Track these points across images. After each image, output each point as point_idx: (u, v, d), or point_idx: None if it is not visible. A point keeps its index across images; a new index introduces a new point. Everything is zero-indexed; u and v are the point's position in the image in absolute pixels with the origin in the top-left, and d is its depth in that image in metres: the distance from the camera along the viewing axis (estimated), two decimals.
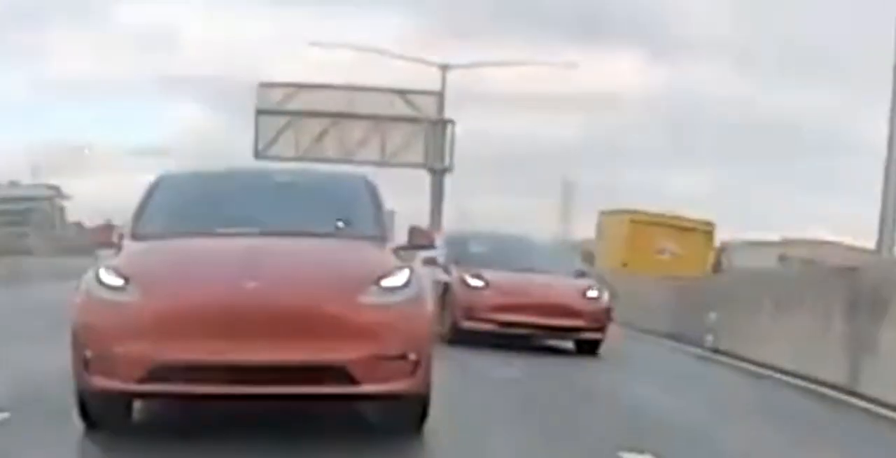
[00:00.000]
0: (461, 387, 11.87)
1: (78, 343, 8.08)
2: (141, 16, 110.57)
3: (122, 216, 10.06)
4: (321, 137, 46.33)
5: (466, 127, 59.94)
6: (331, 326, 7.99)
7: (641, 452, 8.58)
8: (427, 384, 8.38)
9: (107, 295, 8.16)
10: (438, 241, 17.09)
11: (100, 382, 7.98)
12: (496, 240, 19.58)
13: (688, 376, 16.43)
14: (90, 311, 8.20)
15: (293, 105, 46.32)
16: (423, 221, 41.31)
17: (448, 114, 47.59)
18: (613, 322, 18.41)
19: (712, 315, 20.01)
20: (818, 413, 12.83)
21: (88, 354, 7.99)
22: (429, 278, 17.27)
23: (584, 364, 16.40)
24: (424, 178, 47.83)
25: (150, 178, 9.97)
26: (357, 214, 9.63)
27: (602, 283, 18.88)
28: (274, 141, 46.23)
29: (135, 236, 9.20)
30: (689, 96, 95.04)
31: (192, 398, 8.21)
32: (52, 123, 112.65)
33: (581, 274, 18.88)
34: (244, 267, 8.23)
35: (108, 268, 8.35)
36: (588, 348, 17.35)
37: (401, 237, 9.88)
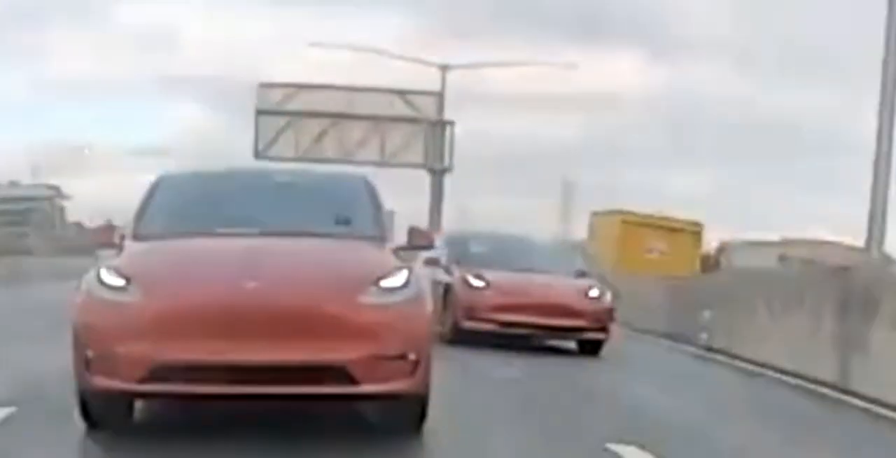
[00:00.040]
0: (461, 387, 11.89)
1: (79, 343, 8.11)
2: (141, 16, 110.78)
3: (123, 216, 10.09)
4: (321, 137, 46.35)
5: (466, 127, 60.08)
6: (330, 326, 8.02)
7: (641, 449, 8.62)
8: (426, 384, 8.41)
9: (108, 295, 8.18)
10: (438, 241, 17.10)
11: (101, 382, 8.01)
12: (497, 240, 19.56)
13: (684, 375, 16.46)
14: (91, 311, 8.22)
15: (293, 105, 46.34)
16: (423, 222, 41.41)
17: (448, 114, 47.63)
18: (616, 323, 18.43)
19: (706, 314, 20.11)
20: (810, 411, 12.93)
21: (90, 354, 8.02)
22: (429, 278, 17.33)
23: (584, 364, 16.42)
24: (424, 178, 47.87)
25: (151, 178, 10.00)
26: (357, 214, 9.65)
27: (604, 283, 18.87)
28: (274, 141, 46.25)
29: (136, 237, 9.22)
30: (689, 96, 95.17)
31: (193, 397, 8.23)
32: (52, 123, 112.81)
33: (582, 274, 18.85)
34: (244, 267, 8.26)
35: (109, 268, 8.38)
36: (590, 349, 17.32)
37: (400, 238, 9.91)
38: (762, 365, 16.38)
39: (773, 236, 64.11)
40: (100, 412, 8.32)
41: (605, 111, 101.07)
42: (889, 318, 13.14)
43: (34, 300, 25.89)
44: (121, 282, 8.21)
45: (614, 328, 18.11)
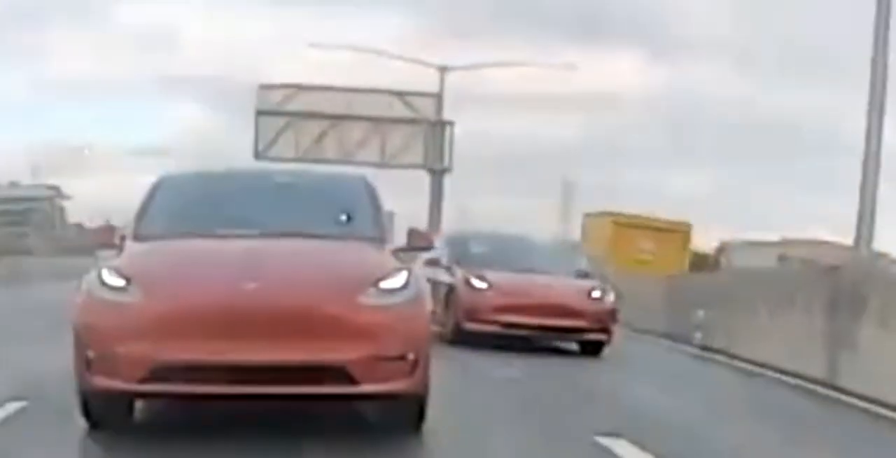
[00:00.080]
0: (461, 387, 11.93)
1: (80, 343, 8.14)
2: (141, 16, 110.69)
3: (122, 216, 10.13)
4: (321, 138, 46.37)
5: (466, 127, 60.05)
6: (330, 326, 8.05)
7: (643, 450, 8.65)
8: (425, 384, 8.45)
9: (109, 296, 8.22)
10: (438, 242, 17.11)
11: (102, 382, 8.04)
12: (498, 240, 19.50)
13: (682, 375, 16.50)
14: (92, 311, 8.25)
15: (293, 106, 46.37)
16: (423, 222, 41.45)
17: (447, 114, 47.67)
18: (619, 323, 18.45)
19: (700, 313, 20.19)
20: (802, 407, 13.07)
21: (90, 354, 8.05)
22: (430, 278, 17.33)
23: (584, 364, 16.43)
24: (424, 179, 47.89)
25: (151, 178, 10.04)
26: (356, 215, 9.68)
27: (607, 283, 18.84)
28: (274, 142, 46.27)
29: (136, 237, 9.25)
30: (689, 96, 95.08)
31: (193, 397, 8.27)
32: (52, 123, 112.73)
33: (584, 274, 18.79)
34: (244, 268, 8.29)
35: (109, 269, 8.41)
36: (591, 350, 17.29)
37: (401, 238, 9.93)
38: (756, 363, 16.51)
39: (773, 236, 64.17)
40: (100, 411, 8.35)
41: (605, 111, 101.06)
42: (876, 315, 13.33)
43: (34, 300, 25.91)
44: (121, 282, 8.24)
45: (615, 329, 18.10)
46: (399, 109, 46.71)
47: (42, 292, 28.35)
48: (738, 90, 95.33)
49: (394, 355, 8.16)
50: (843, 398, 13.13)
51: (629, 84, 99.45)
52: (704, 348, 19.34)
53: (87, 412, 8.35)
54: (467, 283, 17.50)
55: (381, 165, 44.54)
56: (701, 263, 54.52)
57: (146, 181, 10.00)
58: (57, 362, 9.47)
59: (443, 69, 49.15)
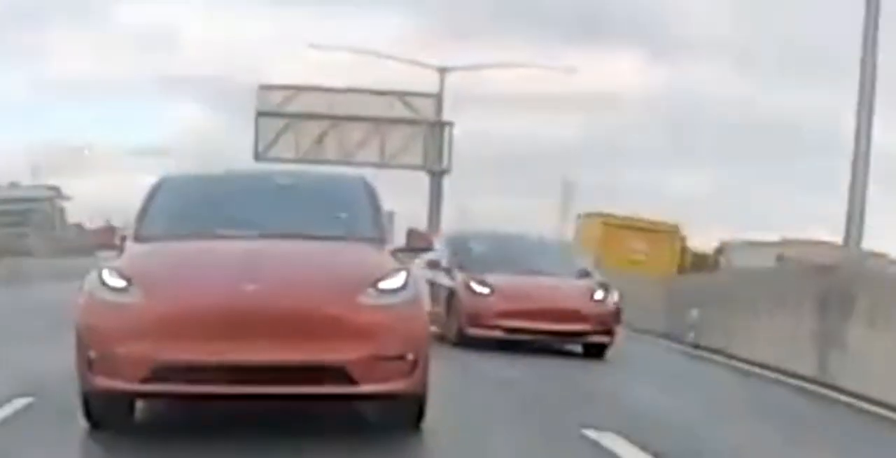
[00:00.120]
0: (462, 387, 11.96)
1: (82, 344, 8.18)
2: (141, 16, 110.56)
3: (122, 217, 10.18)
4: (321, 138, 46.41)
5: (466, 127, 60.03)
6: (330, 327, 8.09)
7: (644, 450, 8.69)
8: (424, 384, 8.49)
9: (110, 296, 8.26)
10: (438, 242, 17.10)
11: (103, 382, 8.08)
12: (498, 240, 19.44)
13: (679, 374, 16.55)
14: (93, 312, 8.30)
15: (293, 107, 46.41)
16: (422, 223, 41.49)
17: (447, 115, 47.72)
18: (622, 324, 18.44)
19: (694, 313, 20.25)
20: (794, 405, 13.23)
21: (92, 354, 8.09)
22: (431, 281, 17.33)
23: (585, 365, 16.45)
24: (424, 179, 47.94)
25: (151, 178, 10.09)
26: (356, 216, 9.72)
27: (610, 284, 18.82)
28: (274, 143, 46.30)
29: (137, 238, 9.30)
30: (689, 96, 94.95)
31: (194, 397, 8.31)
32: (52, 123, 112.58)
33: (585, 273, 18.75)
34: (244, 270, 8.34)
35: (110, 269, 8.45)
36: (595, 352, 17.27)
37: (400, 238, 9.97)
38: (749, 362, 16.62)
39: (773, 237, 64.15)
40: (102, 411, 8.39)
41: (605, 111, 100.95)
42: (865, 315, 13.43)
43: (34, 301, 25.93)
44: (122, 283, 8.29)
45: (618, 330, 18.13)
46: (399, 110, 46.77)
47: (42, 292, 28.39)
48: (738, 90, 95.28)
49: (393, 355, 8.20)
50: (834, 395, 13.28)
51: (629, 84, 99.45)
52: (697, 346, 19.45)
53: (88, 411, 8.39)
54: (468, 287, 17.45)
55: (380, 165, 44.59)
56: (701, 263, 54.57)
57: (146, 182, 10.07)
58: (57, 363, 9.52)
59: (442, 70, 49.21)
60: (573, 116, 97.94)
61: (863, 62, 20.38)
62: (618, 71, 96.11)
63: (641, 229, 41.17)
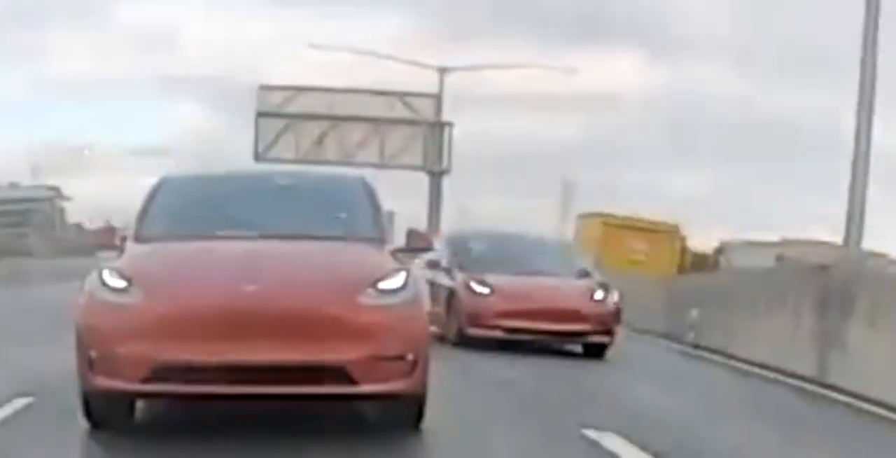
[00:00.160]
0: (462, 387, 11.98)
1: (82, 344, 8.20)
2: (141, 16, 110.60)
3: (122, 217, 10.20)
4: (321, 139, 46.44)
5: (466, 128, 60.08)
6: (329, 327, 8.11)
7: (643, 450, 8.71)
8: (424, 384, 8.50)
9: (110, 297, 8.28)
10: (437, 242, 17.10)
11: (103, 382, 8.10)
12: (498, 239, 19.44)
13: (679, 374, 16.58)
14: (94, 312, 8.32)
15: (293, 108, 46.44)
16: (422, 223, 41.50)
17: (447, 115, 47.76)
18: (622, 324, 18.42)
19: (693, 313, 20.28)
20: (794, 405, 13.29)
21: (92, 354, 8.11)
22: (431, 280, 17.33)
23: (585, 365, 16.46)
24: (423, 179, 47.97)
25: (151, 179, 10.11)
26: (356, 216, 9.73)
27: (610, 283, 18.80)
28: (274, 143, 46.33)
29: (138, 239, 9.31)
30: (689, 96, 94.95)
31: (194, 397, 8.32)
32: (52, 123, 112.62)
33: (585, 273, 18.74)
34: (243, 270, 8.35)
35: (111, 270, 8.47)
36: (595, 352, 17.27)
37: (400, 238, 9.98)
38: (749, 362, 16.66)
39: (774, 237, 64.17)
40: (102, 411, 8.41)
41: (605, 111, 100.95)
42: (865, 315, 13.47)
43: (34, 301, 25.95)
44: (123, 284, 8.30)
45: (618, 330, 18.14)
46: (399, 110, 46.80)
47: (42, 292, 28.41)
48: (738, 90, 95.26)
49: (393, 355, 8.22)
50: (833, 395, 13.33)
51: (629, 84, 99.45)
52: (697, 346, 19.47)
53: (88, 411, 8.41)
54: (468, 287, 17.46)
55: (380, 165, 44.62)
56: (701, 263, 54.61)
57: (146, 182, 10.08)
58: (57, 363, 9.53)
59: (442, 70, 49.24)
60: (573, 116, 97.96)
61: (863, 62, 20.39)
62: (618, 71, 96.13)
63: (641, 229, 41.31)
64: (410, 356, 8.28)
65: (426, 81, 49.03)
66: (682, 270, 42.81)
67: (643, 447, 8.78)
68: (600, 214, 41.91)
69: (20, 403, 9.52)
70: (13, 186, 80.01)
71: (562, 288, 17.68)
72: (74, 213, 79.37)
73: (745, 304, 18.21)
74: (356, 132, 46.49)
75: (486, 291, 17.33)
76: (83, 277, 8.64)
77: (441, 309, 17.24)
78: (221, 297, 8.14)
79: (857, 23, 20.60)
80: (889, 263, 50.21)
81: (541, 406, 11.44)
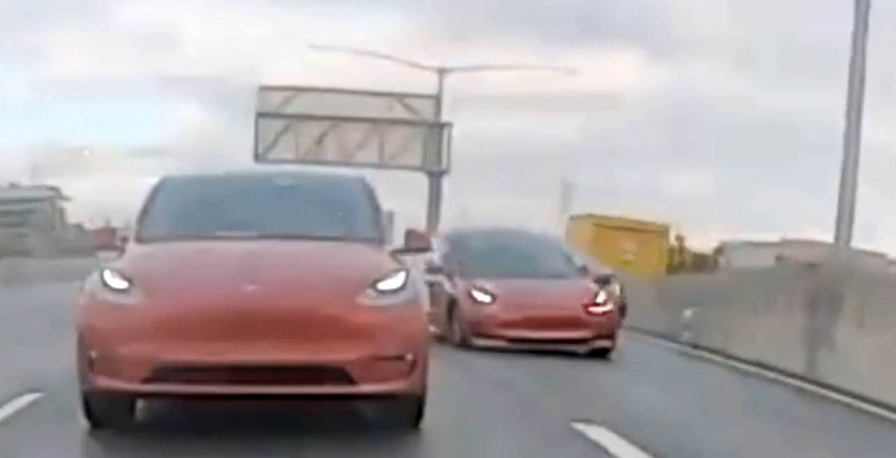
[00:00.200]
0: (461, 386, 11.99)
1: (83, 344, 8.23)
2: (141, 16, 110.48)
3: (122, 217, 10.23)
4: (321, 139, 46.45)
5: (465, 128, 59.93)
6: (329, 327, 8.14)
7: (643, 450, 8.74)
8: (423, 384, 8.53)
9: (111, 297, 8.31)
10: (436, 241, 17.07)
11: (104, 382, 8.13)
12: (498, 237, 19.40)
13: (677, 374, 16.62)
14: (95, 312, 8.35)
15: (293, 108, 46.45)
16: (422, 223, 41.50)
17: (447, 115, 47.77)
18: (625, 318, 18.40)
19: (688, 312, 20.30)
20: (785, 401, 13.46)
21: (93, 354, 8.14)
22: (429, 282, 17.30)
23: (584, 364, 16.47)
24: (423, 179, 47.99)
25: (151, 179, 10.13)
26: (355, 216, 9.75)
27: (614, 279, 18.75)
28: (274, 144, 46.34)
29: (138, 239, 9.33)
30: (689, 96, 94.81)
31: (194, 397, 8.35)
32: (52, 123, 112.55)
33: (585, 272, 18.70)
34: (243, 271, 8.38)
35: (112, 270, 8.50)
36: (599, 353, 17.28)
37: (400, 238, 10.00)
38: (743, 360, 16.73)
39: (773, 237, 64.14)
40: (102, 411, 8.44)
41: (605, 111, 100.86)
42: (853, 313, 13.57)
43: (34, 301, 25.97)
44: (124, 284, 8.34)
45: (620, 330, 18.19)
46: (398, 111, 46.84)
47: (42, 292, 28.43)
48: (737, 90, 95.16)
49: (392, 355, 8.25)
50: (822, 391, 13.44)
51: (629, 84, 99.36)
52: (696, 346, 19.53)
53: (89, 411, 8.44)
54: (470, 295, 17.43)
55: (380, 166, 44.63)
56: (700, 263, 54.60)
57: (146, 182, 10.11)
58: (58, 363, 9.56)
59: (441, 71, 49.26)
60: (573, 116, 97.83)
61: (852, 64, 20.41)
62: (618, 71, 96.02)
63: (630, 229, 41.61)
64: (409, 356, 8.31)
65: (426, 81, 49.10)
66: (671, 269, 43.02)
67: (643, 447, 8.80)
68: (590, 216, 42.18)
69: (21, 403, 9.55)
70: (13, 186, 80.00)
71: (563, 293, 17.60)
72: (74, 213, 79.38)
73: (741, 303, 18.27)
74: (356, 133, 46.52)
75: (487, 299, 17.29)
76: (83, 277, 8.68)
77: (441, 311, 17.21)
78: (221, 297, 8.18)
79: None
80: (889, 263, 50.25)
81: (540, 406, 11.46)
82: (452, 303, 17.54)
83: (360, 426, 9.25)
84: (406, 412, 8.68)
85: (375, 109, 46.38)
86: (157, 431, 8.83)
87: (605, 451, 8.71)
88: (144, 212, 9.60)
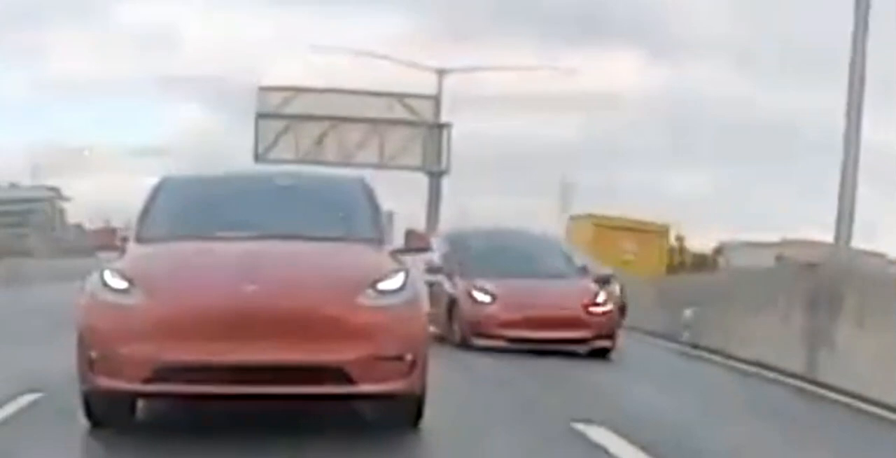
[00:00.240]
0: (461, 386, 12.00)
1: (83, 344, 8.24)
2: (141, 16, 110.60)
3: (122, 217, 10.23)
4: (321, 140, 46.49)
5: (465, 128, 59.98)
6: (329, 327, 8.15)
7: (643, 450, 8.74)
8: (422, 384, 8.54)
9: (111, 297, 8.32)
10: (435, 241, 17.08)
11: (104, 382, 8.14)
12: (497, 237, 19.42)
13: (677, 374, 16.64)
14: (95, 313, 8.36)
15: (292, 109, 46.48)
16: (421, 223, 41.53)
17: (446, 116, 47.83)
18: (625, 317, 18.41)
19: (688, 312, 20.31)
20: (785, 401, 13.52)
21: (93, 354, 8.15)
22: (429, 283, 17.30)
23: (584, 364, 16.48)
24: (423, 179, 48.02)
25: (151, 179, 10.14)
26: (355, 216, 9.76)
27: (614, 279, 18.75)
28: (274, 144, 46.37)
29: (139, 239, 9.34)
30: (689, 96, 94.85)
31: (195, 397, 8.36)
32: (52, 123, 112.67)
33: (585, 271, 18.70)
34: (243, 271, 8.39)
35: (112, 271, 8.51)
36: (599, 353, 17.30)
37: (400, 239, 10.00)
38: (742, 360, 16.74)
39: (773, 237, 64.16)
40: (103, 411, 8.45)
41: (605, 111, 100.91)
42: (853, 314, 13.56)
43: (34, 302, 25.97)
44: (124, 285, 8.34)
45: (621, 329, 18.20)
46: (398, 111, 46.88)
47: (42, 293, 28.43)
48: (737, 90, 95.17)
49: (391, 355, 8.25)
50: (822, 392, 13.46)
51: (629, 84, 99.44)
52: (696, 346, 19.54)
53: (89, 411, 8.45)
54: (470, 295, 17.44)
55: (379, 166, 44.66)
56: (700, 263, 54.64)
57: (146, 182, 10.12)
58: (58, 363, 9.56)
59: (441, 72, 49.30)
60: (573, 116, 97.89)
61: (852, 64, 20.42)
62: (618, 71, 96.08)
63: (630, 229, 41.69)
64: (409, 356, 8.31)
65: (426, 82, 49.13)
66: (671, 269, 43.04)
67: (643, 447, 8.81)
68: (590, 216, 42.21)
69: (21, 402, 9.56)
70: (13, 186, 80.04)
71: (563, 293, 17.61)
72: (74, 213, 79.42)
73: (740, 303, 18.28)
74: (356, 133, 46.55)
75: (487, 299, 17.30)
76: (83, 277, 8.68)
77: (441, 311, 17.22)
78: (222, 297, 8.19)
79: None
80: (889, 263, 50.26)
81: (540, 406, 11.47)
82: (452, 303, 17.55)
83: (360, 426, 9.26)
84: (405, 412, 8.69)
85: (375, 109, 46.42)
86: (158, 431, 8.84)
87: (605, 451, 8.72)
88: (144, 212, 9.61)
